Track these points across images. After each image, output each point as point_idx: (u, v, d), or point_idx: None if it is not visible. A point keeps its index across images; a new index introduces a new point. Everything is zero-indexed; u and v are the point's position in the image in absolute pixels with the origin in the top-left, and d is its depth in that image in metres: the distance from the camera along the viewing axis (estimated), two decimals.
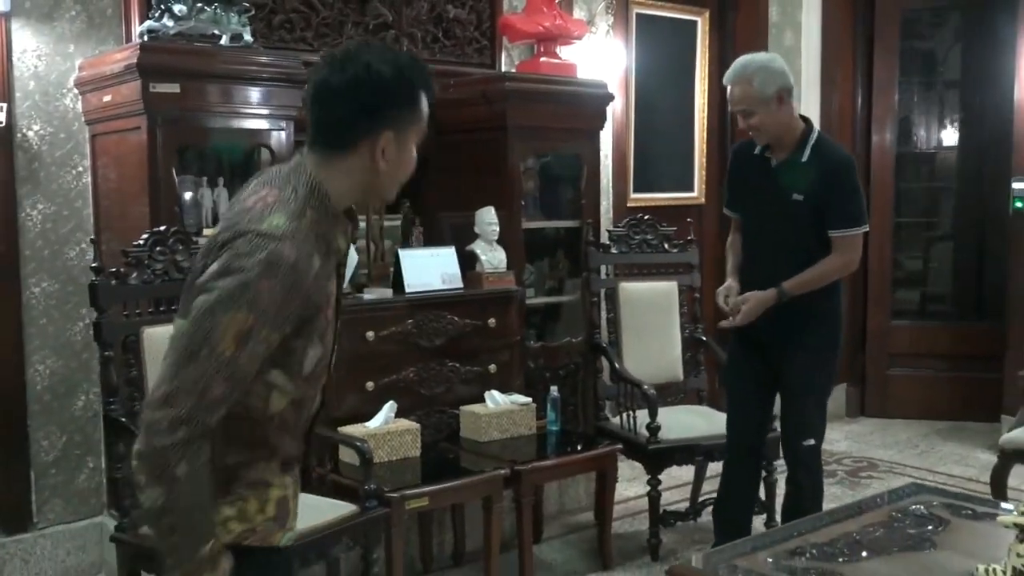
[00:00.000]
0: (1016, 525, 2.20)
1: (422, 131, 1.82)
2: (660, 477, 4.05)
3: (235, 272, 1.60)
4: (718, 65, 5.94)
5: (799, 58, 6.26)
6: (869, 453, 5.62)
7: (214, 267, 1.63)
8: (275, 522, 1.78)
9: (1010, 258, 5.67)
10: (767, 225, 3.49)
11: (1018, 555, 2.20)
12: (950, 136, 6.43)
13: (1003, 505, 2.95)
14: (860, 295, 6.30)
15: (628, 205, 5.51)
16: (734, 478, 3.75)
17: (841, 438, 5.95)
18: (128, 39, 3.74)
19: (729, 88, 3.45)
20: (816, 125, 3.53)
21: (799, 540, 2.53)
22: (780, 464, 4.07)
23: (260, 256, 1.61)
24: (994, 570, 2.24)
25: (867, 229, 3.44)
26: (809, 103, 6.28)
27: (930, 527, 2.65)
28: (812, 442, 3.52)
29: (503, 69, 4.73)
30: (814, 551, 2.46)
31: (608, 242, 4.53)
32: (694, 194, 5.93)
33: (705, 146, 5.93)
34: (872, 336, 6.33)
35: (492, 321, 4.08)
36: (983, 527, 2.63)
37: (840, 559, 2.42)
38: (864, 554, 2.46)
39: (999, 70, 5.77)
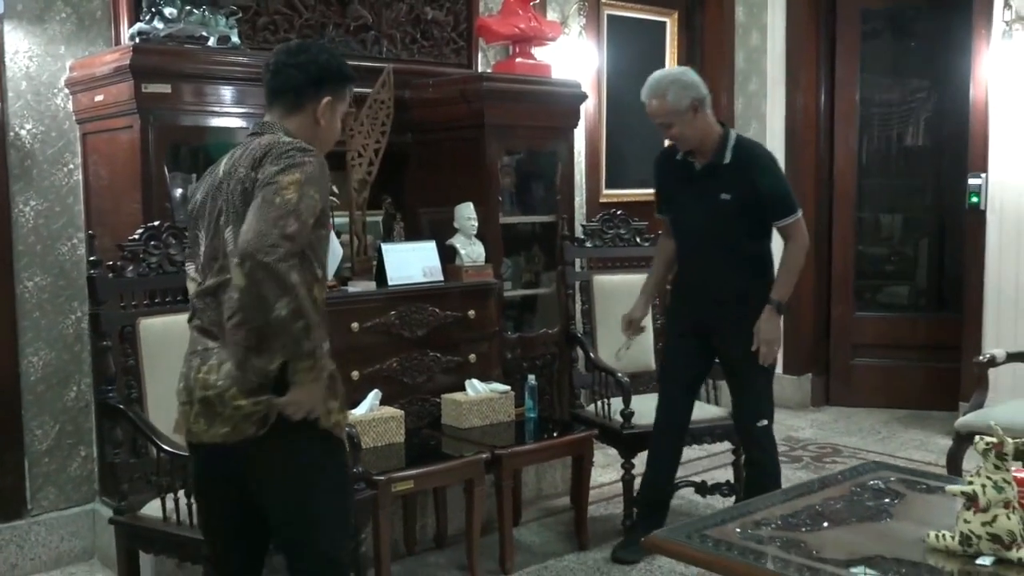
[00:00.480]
0: (963, 494, 2.39)
1: (345, 110, 2.56)
2: (633, 462, 4.20)
3: (288, 160, 2.24)
4: (687, 62, 6.12)
5: (765, 58, 6.47)
6: (833, 440, 5.82)
7: (268, 168, 2.24)
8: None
9: (966, 252, 5.89)
10: (698, 225, 3.68)
11: (965, 521, 2.38)
12: (911, 133, 6.62)
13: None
14: (824, 287, 6.50)
15: (601, 201, 5.68)
16: (663, 457, 3.95)
17: (806, 426, 6.15)
18: (117, 41, 3.85)
19: (647, 104, 3.62)
20: (733, 128, 3.73)
21: (765, 512, 2.70)
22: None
23: (305, 152, 2.28)
24: (944, 535, 2.42)
25: (801, 212, 3.62)
26: (774, 102, 6.49)
27: (887, 500, 2.83)
28: (765, 422, 3.73)
29: (480, 69, 4.89)
30: (779, 522, 2.64)
31: (582, 236, 4.69)
32: None
33: None
34: (836, 327, 6.52)
35: (472, 313, 4.22)
36: (936, 499, 2.81)
37: (803, 528, 2.59)
38: (825, 524, 2.63)
39: (956, 69, 5.99)
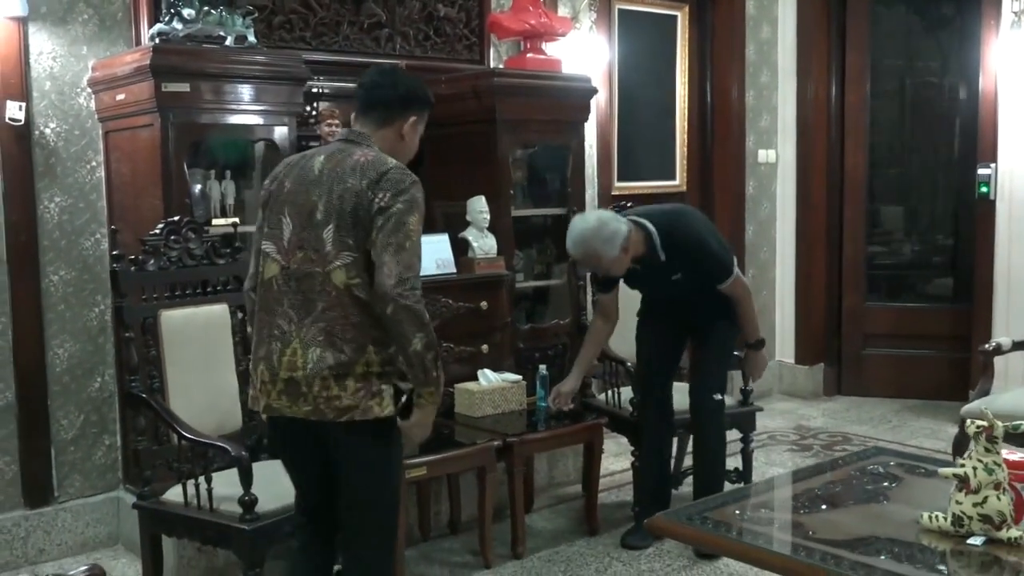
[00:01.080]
0: (955, 476, 2.47)
1: (421, 130, 2.81)
2: None
3: (405, 191, 2.54)
4: (698, 57, 6.21)
5: (775, 50, 6.52)
6: (844, 428, 5.88)
7: (387, 196, 2.52)
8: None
9: (977, 242, 5.93)
10: (661, 296, 4.06)
11: (957, 502, 2.46)
12: (923, 123, 6.65)
13: None
14: (835, 278, 6.56)
15: (612, 193, 5.75)
16: (659, 446, 4.14)
17: (818, 415, 6.21)
18: (137, 41, 3.96)
19: (573, 255, 3.84)
20: (653, 228, 3.78)
21: (765, 496, 2.80)
22: (756, 434, 4.36)
23: (413, 179, 2.58)
24: (936, 516, 2.50)
25: (736, 270, 3.92)
26: (785, 94, 6.55)
27: (886, 483, 2.91)
28: (720, 396, 4.01)
29: (491, 65, 4.97)
30: (778, 504, 2.72)
31: None
32: (676, 182, 6.17)
33: (686, 136, 6.17)
34: (847, 317, 6.58)
35: (484, 304, 4.32)
36: (933, 483, 2.86)
37: (801, 511, 2.68)
38: (823, 507, 2.72)
39: (966, 60, 6.02)
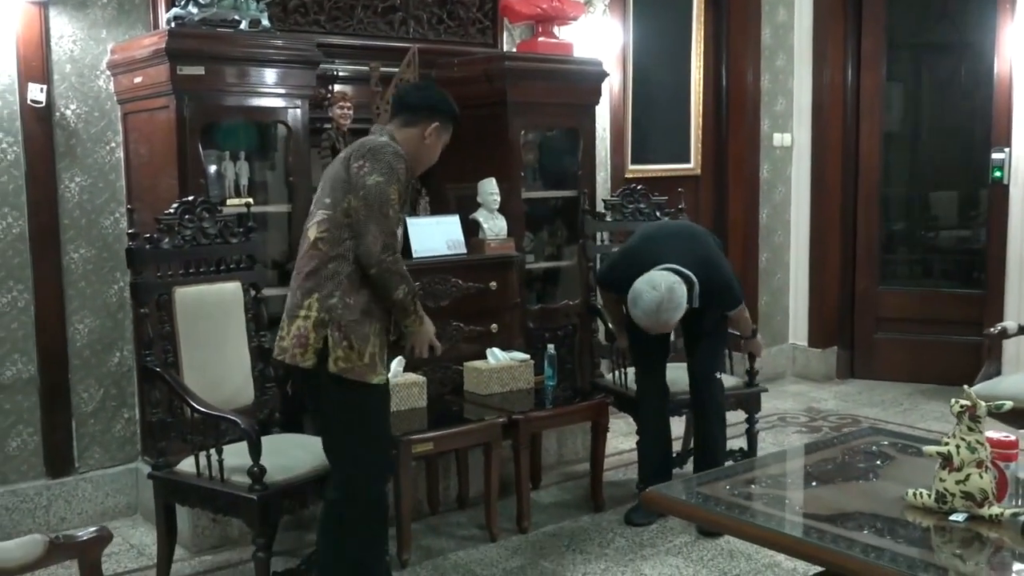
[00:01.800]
0: (939, 454, 2.53)
1: (446, 141, 3.24)
2: None
3: (382, 160, 2.93)
4: (713, 41, 6.23)
5: (791, 34, 6.54)
6: (854, 411, 5.92)
7: (366, 167, 2.93)
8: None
9: (990, 227, 5.93)
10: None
11: (940, 479, 2.52)
12: (939, 107, 6.64)
13: None
14: (850, 261, 6.58)
15: (626, 176, 5.80)
16: (660, 427, 4.23)
17: (829, 397, 6.26)
18: (155, 25, 4.06)
19: (650, 327, 3.87)
20: (696, 281, 3.89)
21: (757, 472, 2.87)
22: (766, 415, 4.42)
23: (395, 151, 2.99)
24: (921, 493, 2.56)
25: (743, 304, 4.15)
26: (801, 77, 6.56)
27: (877, 462, 2.97)
28: (719, 375, 4.14)
29: (504, 49, 5.03)
30: (768, 481, 2.79)
31: (604, 211, 4.82)
32: (690, 165, 6.20)
33: (701, 119, 6.19)
34: (860, 301, 6.60)
35: (493, 284, 4.40)
36: (924, 462, 2.91)
37: (791, 487, 2.74)
38: (813, 483, 2.78)
39: (981, 43, 6.00)
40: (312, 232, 3.02)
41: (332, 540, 3.11)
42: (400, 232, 3.08)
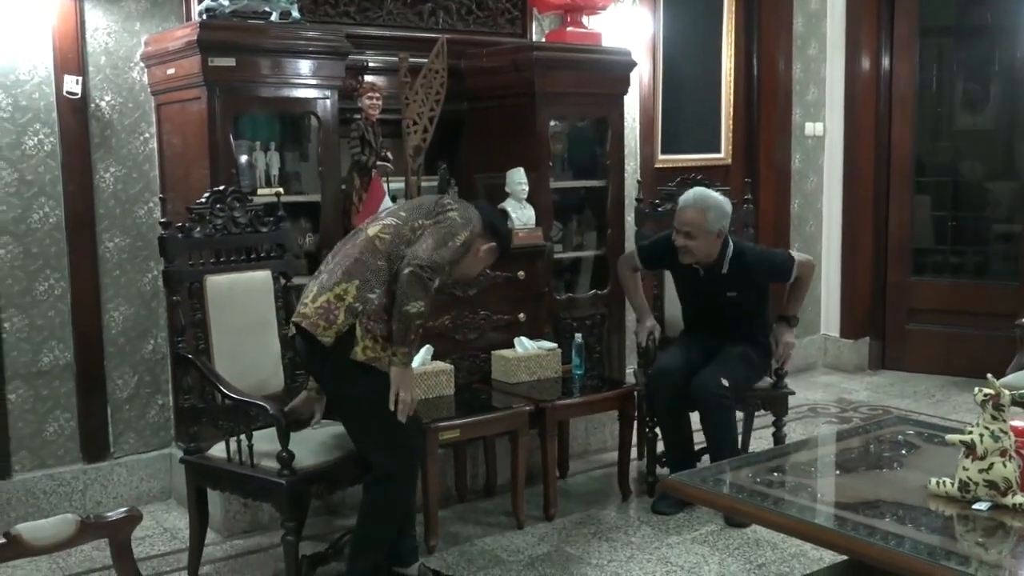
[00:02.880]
0: (962, 443, 2.52)
1: (487, 265, 3.44)
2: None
3: (467, 214, 3.22)
4: (745, 30, 6.19)
5: (824, 22, 6.49)
6: (886, 402, 5.88)
7: (453, 206, 3.23)
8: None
9: None
10: (707, 307, 4.22)
11: (964, 468, 2.51)
12: (974, 93, 6.54)
13: None
14: (882, 251, 6.53)
15: (656, 166, 5.80)
16: (672, 411, 4.21)
17: (861, 388, 6.22)
18: (188, 17, 4.11)
19: (682, 211, 4.03)
20: (732, 244, 4.10)
21: (780, 460, 2.87)
22: (789, 419, 4.38)
23: (473, 220, 3.23)
24: (944, 482, 2.55)
25: (796, 254, 4.24)
26: (833, 66, 6.52)
27: (903, 451, 2.96)
28: (727, 383, 3.99)
29: (534, 38, 5.04)
30: (793, 469, 2.80)
31: (656, 201, 4.73)
32: (721, 155, 6.17)
33: (732, 108, 6.16)
34: (891, 291, 6.55)
35: (522, 274, 4.42)
36: (949, 451, 2.90)
37: (813, 475, 2.74)
38: (837, 472, 2.78)
39: (1018, 27, 5.91)
40: (372, 230, 3.21)
41: (366, 518, 3.23)
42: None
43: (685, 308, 4.41)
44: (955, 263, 6.63)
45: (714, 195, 4.07)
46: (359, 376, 3.14)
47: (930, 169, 6.62)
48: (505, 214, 3.50)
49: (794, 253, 4.27)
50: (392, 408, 3.12)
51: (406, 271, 3.05)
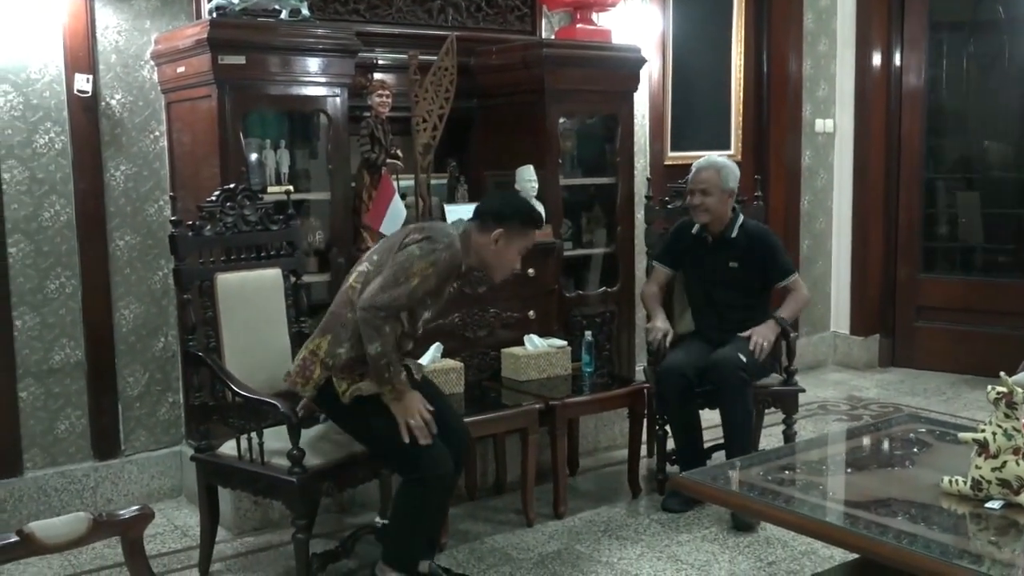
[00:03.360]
0: (975, 441, 2.51)
1: (524, 247, 3.34)
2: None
3: (432, 244, 3.12)
4: (754, 26, 6.17)
5: (835, 18, 6.48)
6: (896, 400, 5.86)
7: (417, 238, 3.14)
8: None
9: None
10: (711, 286, 4.30)
11: (976, 467, 2.50)
12: (985, 88, 6.50)
13: None
14: (892, 248, 6.51)
15: (665, 163, 5.78)
16: (682, 409, 4.19)
17: (871, 386, 6.20)
18: (198, 15, 4.12)
19: (697, 172, 4.25)
20: (740, 213, 4.33)
21: (791, 459, 2.86)
22: (799, 417, 4.37)
23: (447, 243, 3.15)
24: (957, 480, 2.54)
25: (796, 271, 4.35)
26: (844, 63, 6.50)
27: (914, 449, 2.95)
28: (745, 374, 4.00)
29: (544, 36, 5.03)
30: (804, 467, 2.79)
31: (666, 198, 4.71)
32: (731, 152, 6.14)
33: (741, 105, 6.15)
34: (900, 288, 6.52)
35: (531, 271, 4.41)
36: (961, 449, 2.89)
37: (824, 473, 2.73)
38: (848, 470, 2.77)
39: None
40: (350, 278, 3.27)
41: (399, 514, 3.26)
42: (427, 315, 3.29)
43: (693, 300, 4.41)
44: (967, 260, 6.60)
45: (725, 159, 4.35)
46: (360, 409, 3.20)
47: (941, 165, 6.57)
48: (507, 193, 3.50)
49: (796, 277, 4.33)
50: (407, 439, 3.14)
51: (357, 315, 3.11)
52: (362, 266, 3.26)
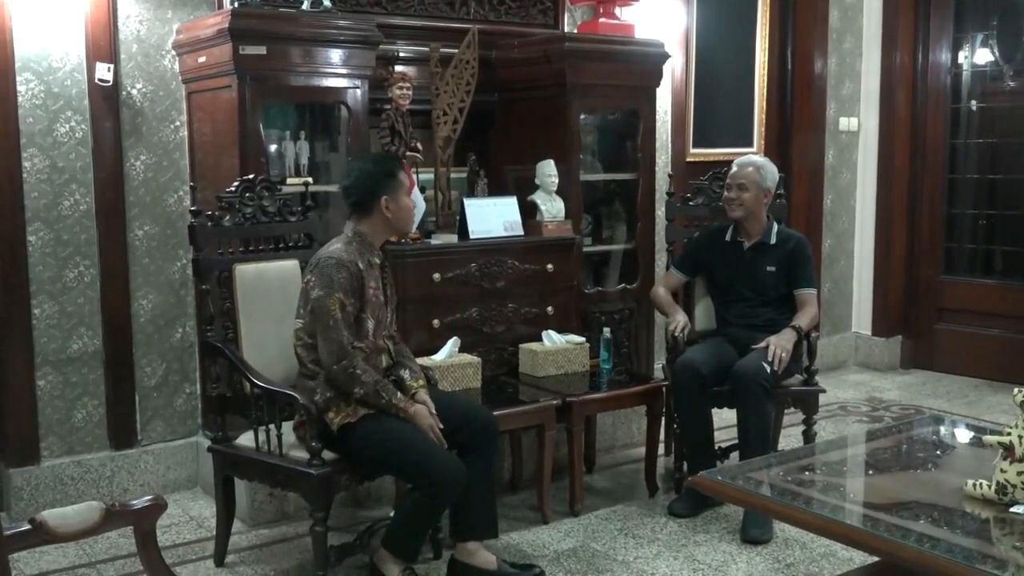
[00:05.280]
0: (1000, 444, 2.46)
1: (405, 186, 3.34)
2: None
3: (324, 276, 3.15)
4: (779, 23, 6.12)
5: (861, 15, 6.41)
6: (918, 401, 5.80)
7: (312, 280, 3.19)
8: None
9: None
10: (743, 290, 4.27)
11: (1002, 470, 2.46)
12: (1012, 88, 6.39)
13: None
14: (915, 248, 6.44)
15: (688, 160, 5.74)
16: (694, 406, 4.12)
17: (892, 387, 6.14)
18: (219, 5, 4.11)
19: (737, 169, 4.26)
20: (775, 220, 4.35)
21: (812, 459, 2.82)
22: (820, 417, 4.31)
23: (333, 262, 3.17)
24: (981, 484, 2.49)
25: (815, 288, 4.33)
26: (869, 60, 6.43)
27: (937, 452, 2.91)
28: (768, 382, 3.92)
29: (565, 30, 5.00)
30: (824, 468, 2.75)
31: (687, 195, 4.65)
32: (753, 149, 6.09)
33: (765, 102, 6.09)
34: (922, 290, 6.45)
35: (550, 266, 4.38)
36: (985, 452, 2.85)
37: (846, 475, 2.69)
38: (870, 472, 2.73)
39: None
40: (296, 333, 3.31)
41: (408, 512, 3.29)
42: (377, 322, 3.28)
43: (719, 301, 4.37)
44: (990, 263, 6.50)
45: (764, 159, 4.43)
46: (353, 432, 3.19)
47: (965, 166, 6.48)
48: (352, 168, 3.37)
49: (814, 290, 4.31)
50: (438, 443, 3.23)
51: (330, 377, 3.16)
52: (296, 324, 3.30)
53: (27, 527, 1.80)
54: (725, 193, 4.26)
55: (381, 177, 3.28)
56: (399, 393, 3.25)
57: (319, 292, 3.16)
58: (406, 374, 3.38)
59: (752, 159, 4.36)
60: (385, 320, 3.36)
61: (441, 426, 3.24)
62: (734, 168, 4.29)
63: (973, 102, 6.27)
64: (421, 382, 3.38)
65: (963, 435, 3.04)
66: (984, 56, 6.27)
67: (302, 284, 3.29)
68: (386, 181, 3.28)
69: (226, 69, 3.78)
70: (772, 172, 4.29)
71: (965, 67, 6.33)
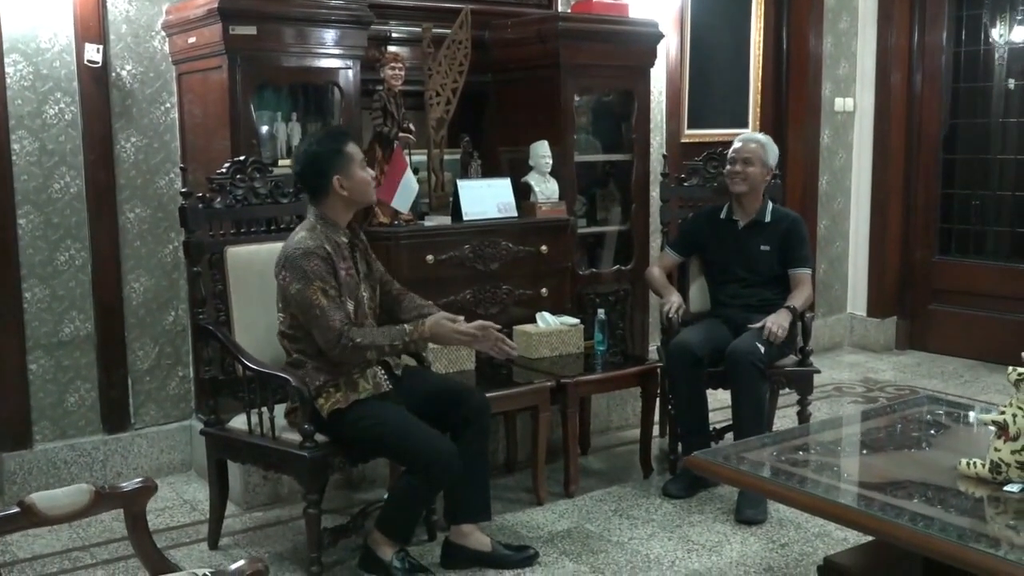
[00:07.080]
0: (994, 423, 2.46)
1: (357, 158, 3.25)
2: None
3: (296, 269, 3.12)
4: (774, 1, 6.07)
5: None
6: (913, 382, 5.80)
7: (287, 276, 3.14)
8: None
9: None
10: (738, 268, 4.28)
11: (996, 449, 2.45)
12: (1007, 68, 6.37)
13: None
14: (910, 229, 6.42)
15: (682, 141, 5.71)
16: (689, 385, 4.11)
17: (887, 368, 6.14)
18: None
19: (743, 144, 4.28)
20: (770, 199, 4.37)
21: (806, 439, 2.81)
22: (814, 398, 4.31)
23: (300, 252, 3.13)
24: (975, 463, 2.49)
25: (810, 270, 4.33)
26: (865, 40, 6.40)
27: (932, 431, 2.90)
28: (761, 363, 3.92)
29: (560, 10, 4.96)
30: (818, 447, 2.74)
31: (682, 176, 4.65)
32: (748, 129, 6.07)
33: (760, 83, 6.06)
34: (916, 271, 6.44)
35: (544, 248, 4.37)
36: (980, 431, 2.86)
37: (840, 454, 2.69)
38: (864, 451, 2.73)
39: None
40: (279, 325, 3.30)
41: (400, 495, 3.28)
42: (356, 302, 3.24)
43: (714, 282, 4.37)
44: (985, 244, 6.47)
45: (763, 136, 4.46)
46: (342, 422, 3.18)
47: (961, 146, 6.45)
48: (299, 153, 3.31)
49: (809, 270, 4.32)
50: (503, 355, 3.33)
51: (337, 357, 3.15)
52: (279, 315, 3.29)
53: (16, 510, 1.79)
54: (729, 167, 4.25)
55: (328, 156, 3.20)
56: (406, 327, 3.23)
57: (297, 286, 3.12)
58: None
59: (756, 136, 4.41)
60: (363, 299, 3.31)
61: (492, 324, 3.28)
62: (738, 143, 4.30)
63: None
64: (426, 310, 3.41)
65: (957, 415, 3.04)
66: (980, 36, 6.23)
67: (276, 280, 3.23)
68: (334, 160, 3.20)
69: (216, 50, 3.75)
70: (774, 150, 4.34)
71: (962, 47, 6.29)
